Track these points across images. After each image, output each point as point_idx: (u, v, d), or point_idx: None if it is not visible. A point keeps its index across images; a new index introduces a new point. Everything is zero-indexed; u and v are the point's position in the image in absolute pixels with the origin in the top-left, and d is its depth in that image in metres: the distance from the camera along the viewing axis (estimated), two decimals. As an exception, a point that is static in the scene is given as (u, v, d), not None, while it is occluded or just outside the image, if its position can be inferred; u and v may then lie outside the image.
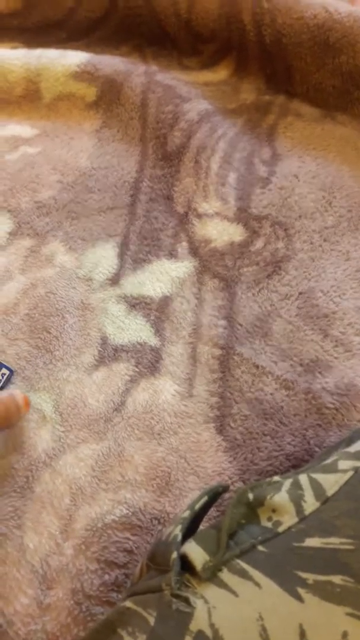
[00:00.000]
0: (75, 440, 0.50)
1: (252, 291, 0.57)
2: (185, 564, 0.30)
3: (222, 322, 0.55)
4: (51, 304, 0.59)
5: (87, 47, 0.87)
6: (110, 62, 0.76)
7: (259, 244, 0.60)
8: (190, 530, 0.34)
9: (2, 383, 0.54)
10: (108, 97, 0.75)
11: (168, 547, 0.31)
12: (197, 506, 0.34)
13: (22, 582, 0.44)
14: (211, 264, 0.59)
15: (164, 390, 0.52)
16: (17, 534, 0.46)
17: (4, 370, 0.54)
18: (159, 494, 0.47)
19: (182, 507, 0.46)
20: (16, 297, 0.60)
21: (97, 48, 0.87)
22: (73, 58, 0.77)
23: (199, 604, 0.28)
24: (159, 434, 0.50)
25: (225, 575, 0.29)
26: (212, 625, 0.27)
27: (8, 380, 0.54)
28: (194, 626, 0.28)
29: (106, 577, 0.43)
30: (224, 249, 0.60)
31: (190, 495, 0.46)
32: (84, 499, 0.47)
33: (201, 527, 0.39)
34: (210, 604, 0.28)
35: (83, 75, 0.75)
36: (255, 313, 0.56)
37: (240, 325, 0.55)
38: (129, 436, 0.50)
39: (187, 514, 0.33)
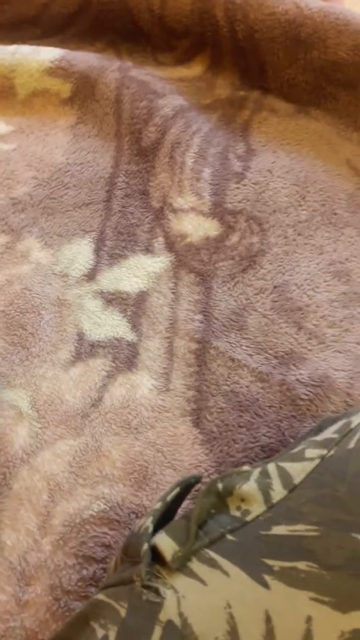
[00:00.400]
0: (52, 437, 0.50)
1: (228, 285, 0.58)
2: (156, 555, 0.31)
3: (199, 317, 0.55)
4: (27, 300, 0.59)
5: (61, 44, 0.86)
6: (85, 58, 0.76)
7: (234, 238, 0.61)
8: (163, 523, 0.34)
9: None
10: (83, 93, 0.74)
11: (139, 539, 0.32)
12: (169, 497, 0.34)
13: (0, 579, 0.44)
14: (187, 259, 0.60)
15: (141, 385, 0.52)
16: (-6, 531, 0.46)
17: None
18: (136, 488, 0.47)
19: (159, 500, 0.46)
20: (-8, 294, 0.60)
21: (71, 44, 0.86)
22: (47, 54, 0.76)
23: (168, 594, 0.29)
24: (136, 429, 0.50)
25: (194, 565, 0.29)
26: (180, 615, 0.28)
27: None
28: (163, 616, 0.28)
29: (84, 572, 0.44)
30: (200, 243, 0.61)
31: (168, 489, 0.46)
32: (62, 494, 0.47)
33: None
34: (180, 594, 0.28)
35: (57, 71, 0.75)
36: (230, 307, 0.56)
37: (216, 319, 0.55)
38: (107, 431, 0.50)
39: (158, 505, 0.34)
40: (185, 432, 0.49)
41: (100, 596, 0.31)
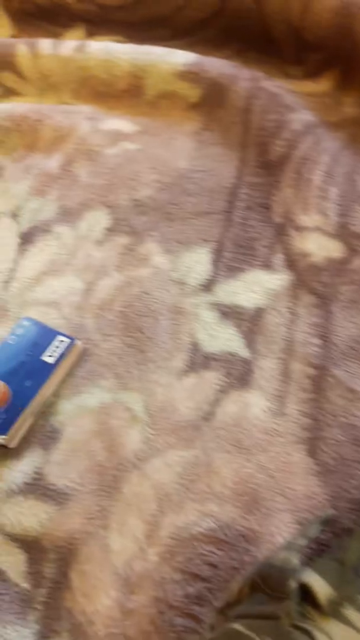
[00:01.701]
0: (163, 445, 0.50)
1: (350, 311, 0.56)
2: (304, 594, 0.30)
3: (317, 341, 0.54)
4: (145, 304, 0.59)
5: (189, 47, 0.86)
6: (217, 65, 0.75)
7: (358, 262, 0.59)
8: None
9: (62, 350, 0.54)
10: (211, 99, 0.74)
11: (284, 574, 0.31)
12: (312, 534, 0.33)
13: (105, 582, 0.44)
14: (307, 279, 0.58)
15: (254, 404, 0.52)
16: (102, 533, 0.46)
17: (61, 339, 0.55)
18: (246, 510, 0.46)
19: (269, 526, 0.45)
20: (111, 293, 0.60)
21: (198, 48, 0.86)
22: (180, 57, 0.76)
23: (320, 638, 0.28)
24: (247, 450, 0.49)
25: (349, 612, 0.28)
26: (334, 665, 0.27)
27: (69, 349, 0.54)
28: (314, 663, 0.27)
29: (189, 589, 0.43)
30: (322, 264, 0.59)
31: (278, 516, 0.46)
32: (171, 506, 0.47)
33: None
34: (332, 642, 0.28)
35: (188, 75, 0.75)
36: (351, 334, 0.54)
37: (336, 345, 0.54)
38: (218, 447, 0.49)
39: (303, 541, 0.33)
40: (299, 461, 0.48)
41: (237, 626, 0.31)
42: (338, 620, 0.28)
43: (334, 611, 0.28)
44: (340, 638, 0.27)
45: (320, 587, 0.29)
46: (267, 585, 0.32)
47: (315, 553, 0.36)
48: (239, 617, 0.31)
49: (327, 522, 0.35)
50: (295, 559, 0.31)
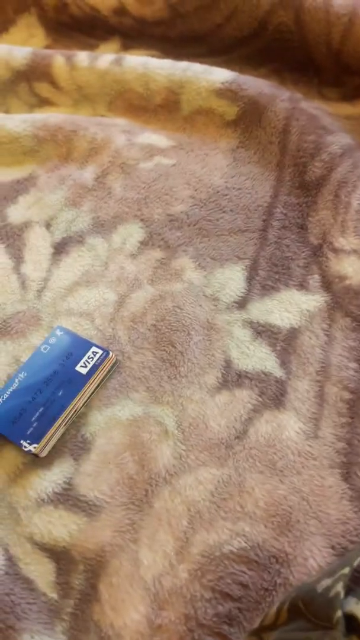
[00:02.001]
0: (195, 462, 0.50)
1: (385, 337, 0.56)
2: (350, 624, 0.30)
3: (354, 365, 0.54)
4: (178, 318, 0.59)
5: (225, 64, 0.87)
6: (256, 84, 0.76)
7: (394, 288, 0.59)
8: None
9: (96, 362, 0.54)
10: (249, 118, 0.75)
11: (330, 603, 0.31)
12: (356, 563, 0.33)
13: (134, 597, 0.44)
14: (344, 302, 0.58)
15: (288, 426, 0.51)
16: (132, 547, 0.46)
17: (96, 350, 0.55)
18: (278, 532, 0.46)
19: (302, 549, 0.45)
20: (144, 306, 0.61)
21: (234, 66, 0.87)
22: (219, 75, 0.77)
23: (368, 673, 0.27)
24: (281, 471, 0.49)
25: None
26: None
27: (102, 361, 0.54)
28: None
29: (220, 607, 0.43)
30: (359, 288, 0.59)
31: (311, 540, 0.45)
32: (202, 523, 0.47)
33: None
34: None
35: (226, 93, 0.76)
36: (386, 360, 0.54)
37: (372, 370, 0.53)
38: (250, 467, 0.49)
39: (347, 570, 0.32)
40: (334, 485, 0.48)
41: (278, 653, 0.31)
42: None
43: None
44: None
45: (369, 618, 0.28)
46: (310, 612, 0.31)
47: (356, 578, 0.35)
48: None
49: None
50: (340, 588, 0.31)
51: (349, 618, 0.30)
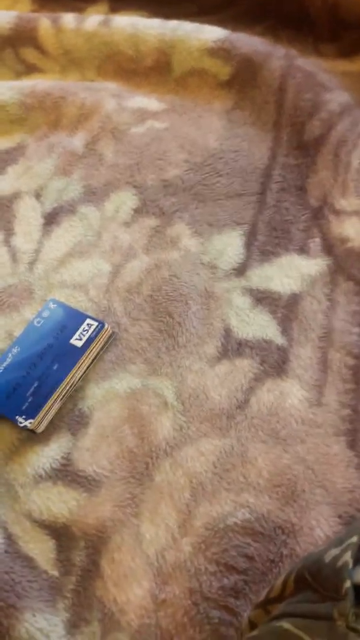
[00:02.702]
0: (197, 433, 0.49)
1: (390, 300, 0.54)
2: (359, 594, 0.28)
3: (357, 330, 0.52)
4: (175, 288, 0.57)
5: (218, 24, 0.83)
6: (249, 42, 0.73)
7: None
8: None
9: (91, 334, 0.52)
10: (243, 77, 0.72)
11: (338, 573, 0.29)
12: (365, 533, 0.32)
13: (137, 572, 0.43)
14: (347, 265, 0.56)
15: (291, 394, 0.50)
16: (133, 522, 0.45)
17: (90, 322, 0.53)
18: (283, 502, 0.45)
19: (308, 519, 0.44)
20: (140, 276, 0.59)
21: (229, 25, 0.83)
22: (210, 33, 0.74)
23: (380, 643, 0.26)
24: (284, 440, 0.47)
25: None
26: None
27: (98, 333, 0.52)
28: (377, 668, 0.26)
29: (225, 580, 0.42)
30: (361, 251, 0.57)
31: (317, 509, 0.44)
32: (205, 495, 0.45)
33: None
34: (395, 647, 0.26)
35: (219, 52, 0.73)
36: (391, 324, 0.52)
37: (377, 335, 0.52)
38: (253, 437, 0.48)
39: (355, 539, 0.31)
40: (339, 453, 0.46)
41: (286, 625, 0.29)
42: None
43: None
44: None
45: (379, 589, 0.27)
46: (318, 582, 0.30)
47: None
48: (287, 615, 0.30)
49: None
50: (348, 557, 0.30)
51: (358, 588, 0.28)
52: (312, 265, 0.57)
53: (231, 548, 0.43)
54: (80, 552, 0.45)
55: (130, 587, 0.43)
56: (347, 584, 0.28)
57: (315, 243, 0.58)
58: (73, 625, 0.42)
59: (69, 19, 0.81)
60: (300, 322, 0.54)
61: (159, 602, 0.42)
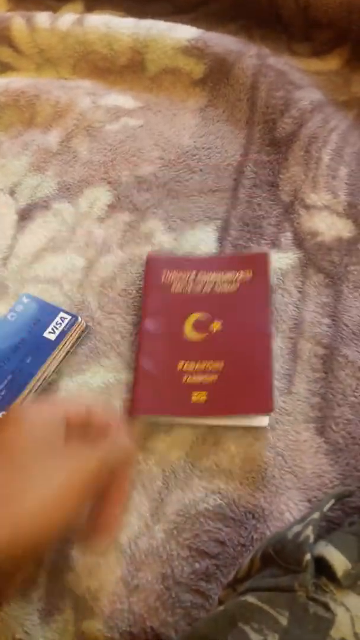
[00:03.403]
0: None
1: None
2: (320, 567, 0.29)
3: (326, 321, 0.53)
4: (148, 281, 0.58)
5: (192, 22, 0.84)
6: (222, 41, 0.74)
7: (367, 243, 0.58)
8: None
9: (64, 327, 0.53)
10: (216, 75, 0.73)
11: (299, 548, 0.30)
12: (326, 508, 0.32)
13: (110, 560, 0.44)
14: (317, 258, 0.57)
15: (262, 383, 0.51)
16: (106, 510, 0.45)
17: (64, 315, 0.54)
18: (254, 488, 0.45)
19: (278, 504, 0.45)
20: (114, 271, 0.59)
21: (203, 24, 0.84)
22: (184, 32, 0.75)
23: (339, 611, 0.27)
24: (255, 428, 0.48)
25: (367, 584, 0.28)
26: (356, 635, 0.26)
27: (71, 326, 0.53)
28: (335, 633, 0.27)
29: (197, 565, 0.43)
30: (332, 244, 0.58)
31: (287, 494, 0.45)
32: (177, 483, 0.46)
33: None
34: (353, 613, 0.27)
35: (192, 50, 0.74)
36: (361, 315, 0.54)
37: (346, 325, 0.53)
38: (225, 426, 0.49)
39: (316, 515, 0.32)
40: (309, 439, 0.47)
41: (250, 598, 0.30)
42: (355, 593, 0.27)
43: (351, 584, 0.28)
44: (358, 608, 0.27)
45: (337, 560, 0.28)
46: (281, 558, 0.31)
47: (329, 528, 0.35)
48: (252, 590, 0.31)
49: (341, 498, 0.34)
50: (309, 532, 0.31)
51: (319, 561, 0.29)
52: (284, 258, 0.58)
53: (203, 533, 0.44)
54: (52, 544, 0.45)
55: (103, 575, 0.43)
56: (308, 557, 0.29)
57: (287, 237, 0.60)
58: (47, 614, 0.43)
59: (43, 18, 0.81)
60: (272, 313, 0.55)
61: (131, 587, 0.42)
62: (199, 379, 0.49)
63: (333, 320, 0.53)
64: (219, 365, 0.50)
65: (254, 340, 0.50)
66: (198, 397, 0.48)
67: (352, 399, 0.49)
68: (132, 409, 0.48)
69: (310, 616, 0.27)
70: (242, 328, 0.51)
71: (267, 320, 0.52)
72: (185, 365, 0.50)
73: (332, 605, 0.27)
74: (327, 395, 0.49)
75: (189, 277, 0.55)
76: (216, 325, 0.52)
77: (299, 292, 0.56)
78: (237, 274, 0.55)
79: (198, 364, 0.50)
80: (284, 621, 0.28)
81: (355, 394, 0.49)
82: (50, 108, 0.75)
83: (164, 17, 0.81)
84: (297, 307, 0.55)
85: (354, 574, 0.28)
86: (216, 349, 0.51)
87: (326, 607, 0.27)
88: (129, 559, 0.43)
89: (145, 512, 0.45)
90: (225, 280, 0.55)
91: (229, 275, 0.55)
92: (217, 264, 0.56)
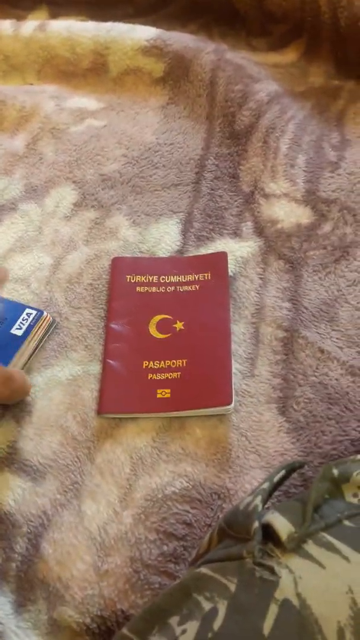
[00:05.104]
0: (136, 411, 0.50)
1: (319, 275, 0.56)
2: (268, 533, 0.30)
3: (287, 304, 0.54)
4: (114, 275, 0.59)
5: (153, 24, 0.85)
6: (180, 39, 0.75)
7: (326, 227, 0.59)
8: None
9: (31, 322, 0.54)
10: (176, 73, 0.74)
11: (248, 517, 0.31)
12: (276, 478, 0.33)
13: (79, 548, 0.44)
14: (277, 245, 0.59)
15: (226, 368, 0.52)
16: (74, 503, 0.46)
17: (29, 311, 0.55)
18: (219, 469, 0.46)
19: (243, 484, 0.45)
20: (80, 267, 0.60)
21: (163, 25, 0.85)
22: (143, 33, 0.76)
23: (283, 573, 0.28)
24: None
25: (310, 547, 0.29)
26: (298, 595, 0.27)
27: (37, 321, 0.54)
28: (279, 594, 0.27)
29: (165, 547, 0.43)
30: (291, 230, 0.59)
31: (251, 474, 0.46)
32: (144, 469, 0.47)
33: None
34: (296, 574, 0.28)
35: (152, 50, 0.75)
36: (321, 297, 0.55)
37: (306, 308, 0.54)
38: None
39: (266, 485, 0.33)
40: (271, 419, 0.48)
41: (203, 570, 0.31)
42: (299, 555, 0.28)
43: (295, 547, 0.28)
44: (301, 570, 0.28)
45: (282, 525, 0.29)
46: (233, 529, 0.32)
47: (279, 498, 0.36)
48: (206, 562, 0.32)
49: (292, 468, 0.35)
50: (258, 501, 0.31)
51: (266, 527, 0.30)
52: (245, 247, 0.59)
53: (170, 516, 0.44)
54: (22, 538, 0.45)
55: (73, 563, 0.44)
56: (255, 524, 0.30)
57: (247, 226, 0.61)
58: (20, 605, 0.43)
59: (5, 25, 0.83)
60: (235, 300, 0.56)
61: (101, 573, 0.43)
62: (163, 376, 0.50)
63: (293, 304, 0.54)
64: (181, 363, 0.51)
65: (215, 339, 0.52)
66: (162, 393, 0.49)
67: (313, 378, 0.50)
68: (100, 408, 0.49)
69: (256, 580, 0.28)
70: (203, 327, 0.53)
71: (227, 319, 0.53)
72: (150, 363, 0.51)
73: (277, 568, 0.28)
74: (288, 376, 0.50)
75: (152, 279, 0.57)
76: (179, 325, 0.53)
77: (260, 278, 0.57)
78: (198, 275, 0.56)
79: (162, 363, 0.51)
80: (232, 587, 0.29)
81: (316, 373, 0.50)
82: (16, 113, 0.76)
83: (125, 20, 0.83)
84: (258, 293, 0.56)
85: (297, 537, 0.29)
86: (179, 348, 0.52)
87: (271, 570, 0.28)
88: (99, 546, 0.44)
89: (114, 500, 0.46)
90: (186, 282, 0.56)
91: (190, 276, 0.56)
92: (179, 266, 0.58)
